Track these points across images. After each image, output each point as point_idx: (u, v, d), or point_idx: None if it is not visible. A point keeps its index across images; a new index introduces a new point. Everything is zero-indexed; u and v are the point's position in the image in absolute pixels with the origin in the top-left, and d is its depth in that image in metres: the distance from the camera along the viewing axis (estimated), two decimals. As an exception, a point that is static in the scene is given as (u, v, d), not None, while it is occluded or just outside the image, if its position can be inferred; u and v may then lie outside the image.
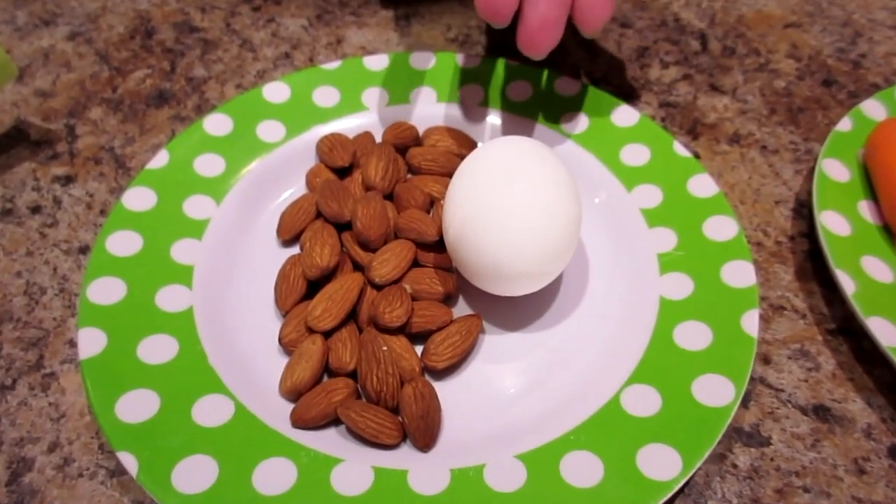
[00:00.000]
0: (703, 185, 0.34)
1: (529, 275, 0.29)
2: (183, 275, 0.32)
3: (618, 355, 0.30)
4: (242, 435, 0.27)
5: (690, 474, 0.25)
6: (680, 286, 0.31)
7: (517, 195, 0.28)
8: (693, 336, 0.29)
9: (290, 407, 0.28)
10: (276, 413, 0.28)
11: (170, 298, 0.31)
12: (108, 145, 0.40)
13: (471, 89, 0.40)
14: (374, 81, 0.40)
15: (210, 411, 0.27)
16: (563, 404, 0.29)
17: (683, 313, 0.30)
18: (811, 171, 0.39)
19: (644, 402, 0.27)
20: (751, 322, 0.29)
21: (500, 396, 0.29)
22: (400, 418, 0.28)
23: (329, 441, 0.27)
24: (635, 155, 0.36)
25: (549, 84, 0.39)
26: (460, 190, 0.29)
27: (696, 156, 0.40)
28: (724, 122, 0.42)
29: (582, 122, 0.38)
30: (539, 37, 0.29)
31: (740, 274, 0.31)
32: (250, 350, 0.30)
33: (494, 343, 0.31)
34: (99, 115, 0.42)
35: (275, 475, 0.26)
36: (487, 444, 0.27)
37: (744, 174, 0.39)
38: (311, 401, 0.28)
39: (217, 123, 0.37)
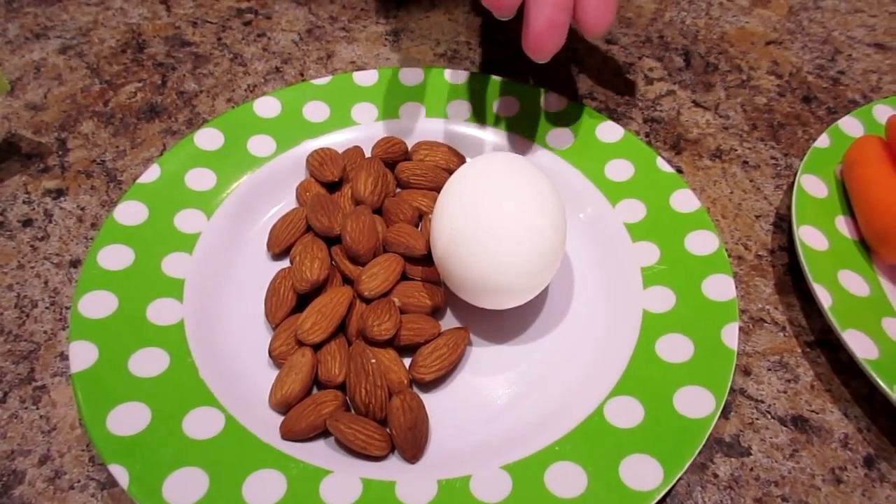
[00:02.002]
0: (685, 201, 0.35)
1: (516, 289, 0.29)
2: (174, 288, 0.32)
3: (602, 367, 0.30)
4: (232, 447, 0.27)
5: (672, 484, 0.26)
6: (662, 299, 0.32)
7: (504, 211, 0.29)
8: (675, 348, 0.30)
9: (279, 419, 0.29)
10: (266, 425, 0.28)
11: (161, 312, 0.31)
12: (100, 159, 0.40)
13: (459, 105, 0.40)
14: (364, 97, 0.40)
15: (200, 424, 0.28)
16: (548, 416, 0.29)
17: (666, 326, 0.31)
18: (791, 185, 0.40)
19: (627, 413, 0.28)
20: (731, 335, 0.30)
21: (486, 408, 0.30)
22: (388, 430, 0.28)
23: (318, 453, 0.28)
24: (620, 170, 0.37)
25: (536, 100, 0.40)
26: (448, 206, 0.30)
27: (679, 171, 0.40)
28: (706, 138, 0.43)
29: (568, 138, 0.39)
30: (545, 39, 0.30)
31: (721, 288, 0.31)
32: (240, 363, 0.31)
33: (481, 355, 0.32)
34: (90, 128, 0.42)
35: (265, 487, 0.26)
36: (474, 455, 0.28)
37: (725, 189, 0.40)
38: (301, 413, 0.28)
39: (208, 138, 0.38)
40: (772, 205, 0.39)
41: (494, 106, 0.40)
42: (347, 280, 0.33)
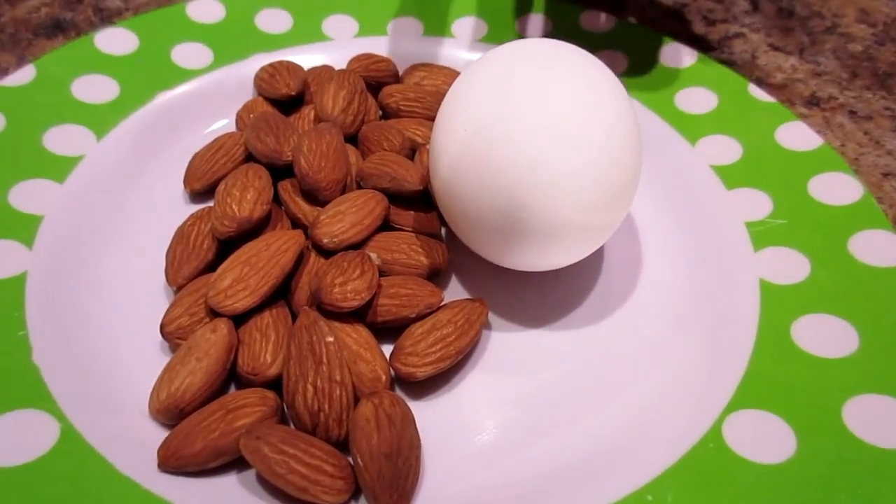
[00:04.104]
0: (799, 136, 0.24)
1: (566, 230, 0.18)
2: (21, 228, 0.21)
3: (705, 364, 0.19)
4: (65, 483, 0.15)
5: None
6: (788, 266, 0.21)
7: (554, 100, 0.18)
8: (825, 336, 0.19)
9: (160, 437, 0.17)
10: (134, 447, 0.16)
11: (-10, 258, 0.19)
12: (-32, 73, 0.29)
13: (469, 23, 0.30)
14: (341, 7, 0.30)
15: (15, 438, 0.16)
16: (623, 444, 0.17)
17: (802, 303, 0.19)
18: (920, 140, 0.29)
19: (766, 438, 0.16)
20: (917, 315, 0.18)
21: (515, 430, 0.18)
22: (350, 459, 0.16)
23: (224, 499, 0.16)
24: (697, 100, 0.27)
25: (573, 19, 0.30)
26: (461, 100, 0.19)
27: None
28: (795, 84, 0.33)
29: (619, 63, 0.28)
30: None
31: (879, 248, 0.21)
32: (111, 345, 0.19)
33: (505, 345, 0.20)
34: (-36, 39, 0.31)
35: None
36: (500, 507, 0.16)
37: (833, 141, 0.29)
38: (199, 425, 0.16)
39: (115, 39, 0.27)
40: (901, 161, 0.28)
41: (517, 25, 0.30)
42: (300, 227, 0.21)
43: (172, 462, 0.16)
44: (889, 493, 0.15)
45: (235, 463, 0.16)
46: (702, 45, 0.34)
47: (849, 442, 0.16)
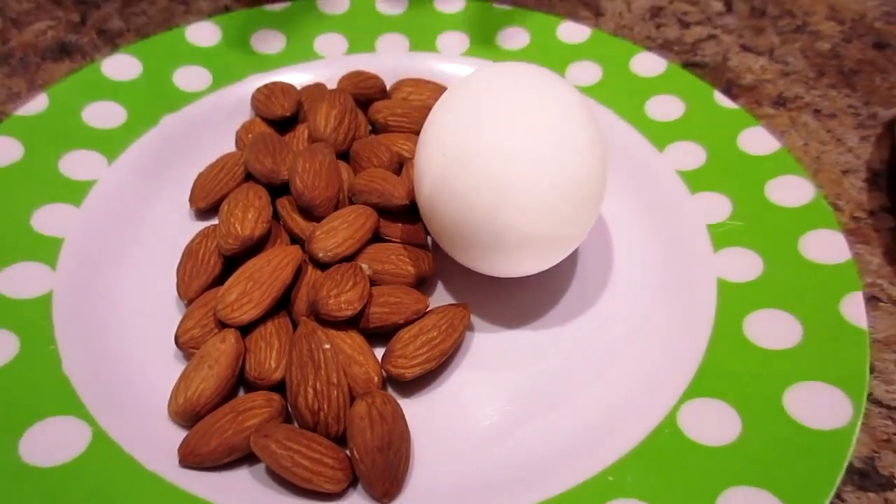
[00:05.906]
0: (759, 140, 0.26)
1: (539, 242, 0.20)
2: (44, 250, 0.22)
3: (666, 358, 0.21)
4: (98, 479, 0.17)
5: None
6: (744, 265, 0.23)
7: (522, 126, 0.20)
8: (774, 329, 0.20)
9: (179, 437, 0.19)
10: (157, 446, 0.18)
11: (19, 280, 0.21)
12: (-18, 99, 0.31)
13: (452, 37, 0.32)
14: (331, 26, 0.32)
15: (51, 442, 0.18)
16: (588, 431, 0.19)
17: (754, 300, 0.21)
18: (880, 137, 0.31)
19: (715, 423, 0.18)
20: (855, 309, 0.20)
21: (496, 420, 0.20)
22: (347, 452, 0.18)
23: (237, 490, 0.18)
24: (665, 108, 0.28)
25: (549, 30, 0.31)
26: (440, 123, 0.21)
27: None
28: (764, 84, 0.34)
29: (593, 72, 0.30)
30: None
31: (827, 247, 0.22)
32: (130, 355, 0.21)
33: (487, 345, 0.22)
34: (-24, 66, 0.33)
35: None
36: (481, 491, 0.18)
37: (797, 140, 0.31)
38: (213, 426, 0.18)
39: (120, 66, 0.29)
40: (860, 158, 0.30)
41: (498, 38, 0.31)
42: (297, 241, 0.23)
43: (191, 459, 0.18)
44: (823, 470, 0.17)
45: (247, 458, 0.19)
46: (675, 49, 0.36)
47: (788, 424, 0.18)
